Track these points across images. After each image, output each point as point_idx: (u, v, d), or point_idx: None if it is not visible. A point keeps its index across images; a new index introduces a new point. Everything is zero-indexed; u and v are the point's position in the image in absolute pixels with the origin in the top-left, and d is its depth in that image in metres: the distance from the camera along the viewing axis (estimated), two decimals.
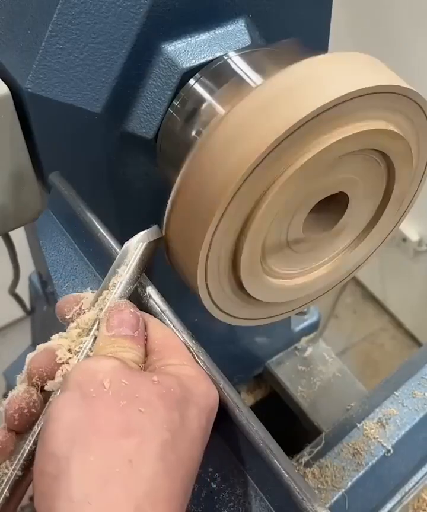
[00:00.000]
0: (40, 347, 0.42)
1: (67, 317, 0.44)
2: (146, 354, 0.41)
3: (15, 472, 0.38)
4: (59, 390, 0.38)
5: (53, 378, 0.40)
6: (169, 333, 0.42)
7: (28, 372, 0.40)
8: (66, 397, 0.36)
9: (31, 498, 0.35)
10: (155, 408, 0.36)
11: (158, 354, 0.40)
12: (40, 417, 0.40)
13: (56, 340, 0.42)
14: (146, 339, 0.41)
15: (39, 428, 0.39)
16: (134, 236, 0.45)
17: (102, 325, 0.40)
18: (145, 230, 0.45)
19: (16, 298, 1.03)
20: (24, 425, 0.39)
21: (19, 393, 0.40)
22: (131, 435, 0.34)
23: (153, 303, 0.44)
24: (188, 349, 0.42)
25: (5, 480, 0.38)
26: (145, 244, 0.44)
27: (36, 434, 0.39)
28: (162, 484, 0.33)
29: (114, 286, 0.43)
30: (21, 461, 0.38)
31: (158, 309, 0.44)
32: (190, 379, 0.39)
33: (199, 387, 0.39)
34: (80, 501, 0.32)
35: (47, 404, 0.39)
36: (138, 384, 0.36)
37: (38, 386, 0.40)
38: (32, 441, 0.39)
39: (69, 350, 0.41)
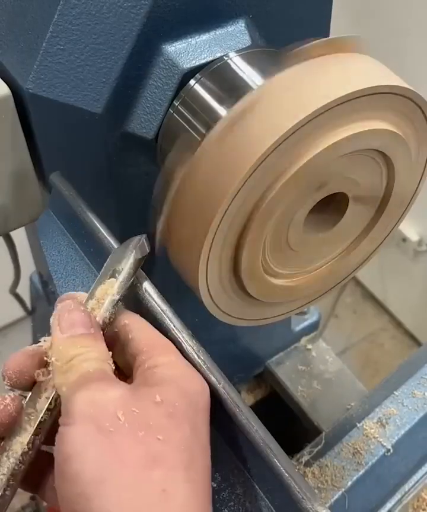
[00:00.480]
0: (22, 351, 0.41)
1: None
2: (135, 355, 0.40)
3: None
4: (62, 423, 0.36)
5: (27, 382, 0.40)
6: (154, 332, 0.42)
7: (4, 374, 0.40)
8: (80, 432, 0.34)
9: (32, 498, 0.35)
10: (169, 431, 0.35)
11: (147, 353, 0.40)
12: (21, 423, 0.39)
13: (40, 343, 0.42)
14: (129, 341, 0.41)
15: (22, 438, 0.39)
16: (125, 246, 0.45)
17: (55, 329, 0.40)
18: (135, 241, 0.45)
19: (17, 298, 1.03)
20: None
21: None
22: (158, 465, 0.34)
23: (154, 302, 0.44)
24: (187, 349, 0.42)
25: None
26: (132, 259, 0.44)
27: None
28: (194, 504, 0.34)
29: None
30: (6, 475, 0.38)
31: (158, 308, 0.44)
32: (184, 380, 0.39)
33: (193, 386, 0.39)
34: None
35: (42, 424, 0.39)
36: (147, 410, 0.36)
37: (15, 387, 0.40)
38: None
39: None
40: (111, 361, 0.39)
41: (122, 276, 0.43)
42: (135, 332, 0.42)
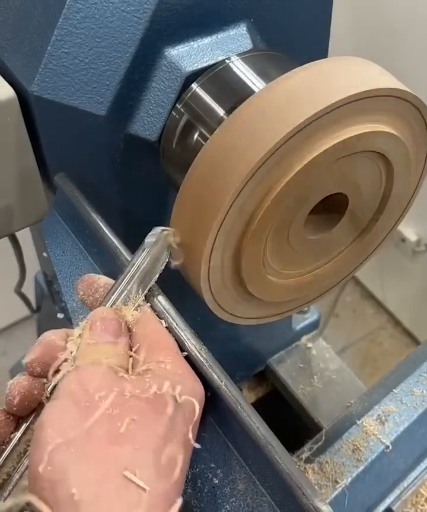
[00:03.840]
0: (40, 339, 0.42)
1: (79, 295, 0.46)
2: (135, 350, 0.41)
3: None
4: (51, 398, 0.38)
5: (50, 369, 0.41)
6: (158, 329, 0.43)
7: (27, 362, 0.41)
8: (58, 405, 0.36)
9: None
10: (145, 415, 0.36)
11: (147, 350, 0.41)
12: (31, 417, 0.41)
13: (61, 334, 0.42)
14: (131, 335, 0.42)
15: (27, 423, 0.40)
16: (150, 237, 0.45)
17: (85, 331, 0.41)
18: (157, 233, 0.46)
19: (22, 298, 1.04)
20: (22, 410, 0.40)
21: (19, 379, 0.41)
22: (124, 443, 0.35)
23: (156, 301, 0.44)
24: (189, 347, 0.43)
25: None
26: (153, 249, 0.45)
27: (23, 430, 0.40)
28: (156, 489, 0.34)
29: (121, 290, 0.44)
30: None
31: (161, 307, 0.44)
32: (177, 377, 0.39)
33: (186, 385, 0.39)
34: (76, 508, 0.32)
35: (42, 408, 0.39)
36: (129, 393, 0.37)
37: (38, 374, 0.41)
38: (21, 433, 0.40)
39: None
40: (125, 365, 0.40)
41: (151, 283, 0.44)
42: (139, 325, 0.42)
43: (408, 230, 1.63)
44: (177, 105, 0.51)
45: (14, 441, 0.40)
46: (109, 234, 0.49)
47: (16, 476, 0.40)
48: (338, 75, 0.43)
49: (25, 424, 0.41)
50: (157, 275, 0.45)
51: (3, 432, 0.41)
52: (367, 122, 0.44)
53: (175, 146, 0.52)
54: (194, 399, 0.39)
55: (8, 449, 0.40)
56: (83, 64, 0.49)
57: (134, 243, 0.49)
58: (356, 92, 0.42)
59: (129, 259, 0.47)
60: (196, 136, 0.51)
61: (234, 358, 0.93)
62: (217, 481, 0.43)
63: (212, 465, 0.43)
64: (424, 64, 1.31)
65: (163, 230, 0.45)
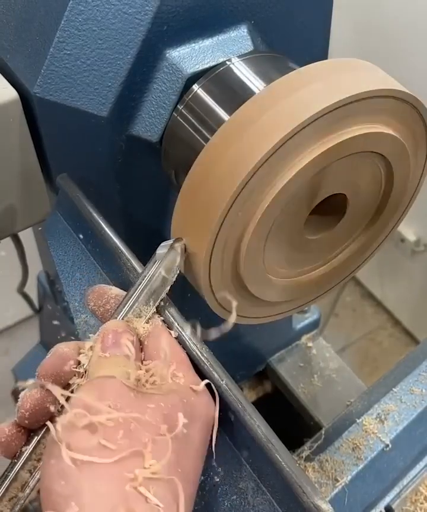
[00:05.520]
0: (53, 350, 0.42)
1: (90, 306, 0.46)
2: (147, 364, 0.41)
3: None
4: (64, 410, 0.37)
5: (62, 382, 0.40)
6: (170, 342, 0.43)
7: (39, 375, 0.41)
8: (72, 418, 0.35)
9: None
10: (159, 430, 0.36)
11: (160, 362, 0.41)
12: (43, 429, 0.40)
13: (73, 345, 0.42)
14: (142, 348, 0.42)
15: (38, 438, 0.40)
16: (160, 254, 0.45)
17: (97, 344, 0.41)
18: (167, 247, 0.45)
19: (24, 297, 1.04)
20: (34, 423, 0.40)
21: (31, 392, 0.40)
22: (137, 459, 0.34)
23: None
24: (190, 346, 0.43)
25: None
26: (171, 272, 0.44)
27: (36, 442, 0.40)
28: (170, 507, 0.34)
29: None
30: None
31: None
32: (191, 392, 0.39)
33: (200, 399, 0.39)
34: None
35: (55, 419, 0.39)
36: (143, 407, 0.36)
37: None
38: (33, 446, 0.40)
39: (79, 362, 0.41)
40: (138, 378, 0.40)
41: (163, 295, 0.44)
42: (151, 338, 0.42)
43: (408, 230, 1.63)
44: (178, 106, 0.52)
45: (25, 455, 0.40)
46: (110, 234, 0.49)
47: (27, 491, 0.39)
48: (338, 77, 0.44)
49: (36, 437, 0.40)
50: (168, 287, 0.44)
51: (15, 445, 0.40)
52: (367, 123, 0.45)
53: (176, 147, 0.53)
54: (207, 414, 0.39)
55: (19, 463, 0.40)
56: (85, 66, 0.50)
57: (135, 243, 0.49)
58: (355, 93, 0.42)
59: (130, 258, 0.47)
60: (196, 137, 0.51)
61: (235, 358, 0.93)
62: (218, 479, 0.43)
63: (213, 463, 0.43)
64: (424, 65, 1.31)
65: (175, 242, 0.45)
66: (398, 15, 1.31)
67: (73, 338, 0.96)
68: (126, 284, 0.47)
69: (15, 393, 1.18)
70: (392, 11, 1.32)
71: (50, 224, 0.56)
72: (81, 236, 0.53)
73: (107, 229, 0.49)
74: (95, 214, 0.50)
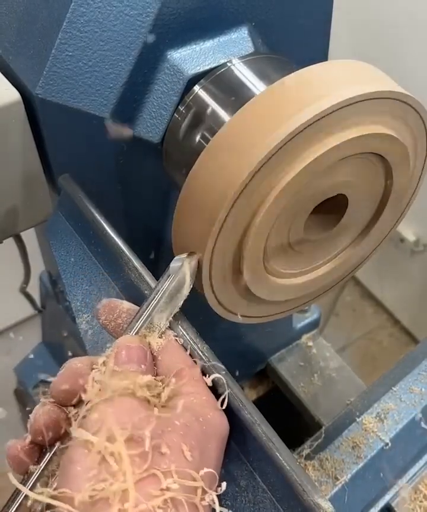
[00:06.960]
0: (66, 365, 0.41)
1: (101, 320, 0.45)
2: (161, 380, 0.41)
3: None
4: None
5: (75, 397, 0.40)
6: (184, 358, 0.42)
7: (52, 391, 0.40)
8: (88, 440, 0.35)
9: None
10: (177, 450, 0.36)
11: (175, 379, 0.40)
12: (56, 446, 0.40)
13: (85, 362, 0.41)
14: (156, 363, 0.42)
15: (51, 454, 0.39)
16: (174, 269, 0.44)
17: (110, 360, 0.40)
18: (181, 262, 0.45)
19: (27, 297, 1.04)
20: (47, 440, 0.39)
21: (45, 409, 0.40)
22: (155, 478, 0.34)
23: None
24: (192, 346, 0.43)
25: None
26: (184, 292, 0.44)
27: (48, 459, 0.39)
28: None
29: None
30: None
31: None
32: (205, 410, 0.39)
33: (214, 416, 0.39)
34: None
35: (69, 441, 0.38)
36: (161, 427, 0.36)
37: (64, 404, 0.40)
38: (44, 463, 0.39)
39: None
40: (151, 394, 0.39)
41: (176, 309, 0.44)
42: (165, 354, 0.42)
43: (407, 230, 1.64)
44: (180, 107, 0.52)
45: (37, 472, 0.39)
46: (112, 235, 0.49)
47: (38, 508, 0.38)
48: (337, 78, 0.44)
49: (48, 454, 0.40)
50: (182, 302, 0.44)
51: (27, 461, 0.40)
52: (366, 124, 0.45)
53: (177, 148, 0.53)
54: (222, 431, 0.39)
55: (32, 479, 0.39)
56: (87, 67, 0.50)
57: (136, 243, 0.50)
58: (355, 95, 0.42)
59: (132, 259, 0.48)
60: (197, 137, 0.51)
61: (236, 357, 0.93)
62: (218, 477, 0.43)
63: None
64: (424, 66, 1.32)
65: (188, 256, 0.45)
66: (398, 16, 1.32)
67: (74, 338, 0.96)
68: (128, 285, 0.47)
69: (17, 393, 1.19)
70: (392, 12, 1.32)
71: (52, 224, 0.56)
72: (83, 237, 0.53)
73: (108, 229, 0.49)
74: (96, 215, 0.50)
